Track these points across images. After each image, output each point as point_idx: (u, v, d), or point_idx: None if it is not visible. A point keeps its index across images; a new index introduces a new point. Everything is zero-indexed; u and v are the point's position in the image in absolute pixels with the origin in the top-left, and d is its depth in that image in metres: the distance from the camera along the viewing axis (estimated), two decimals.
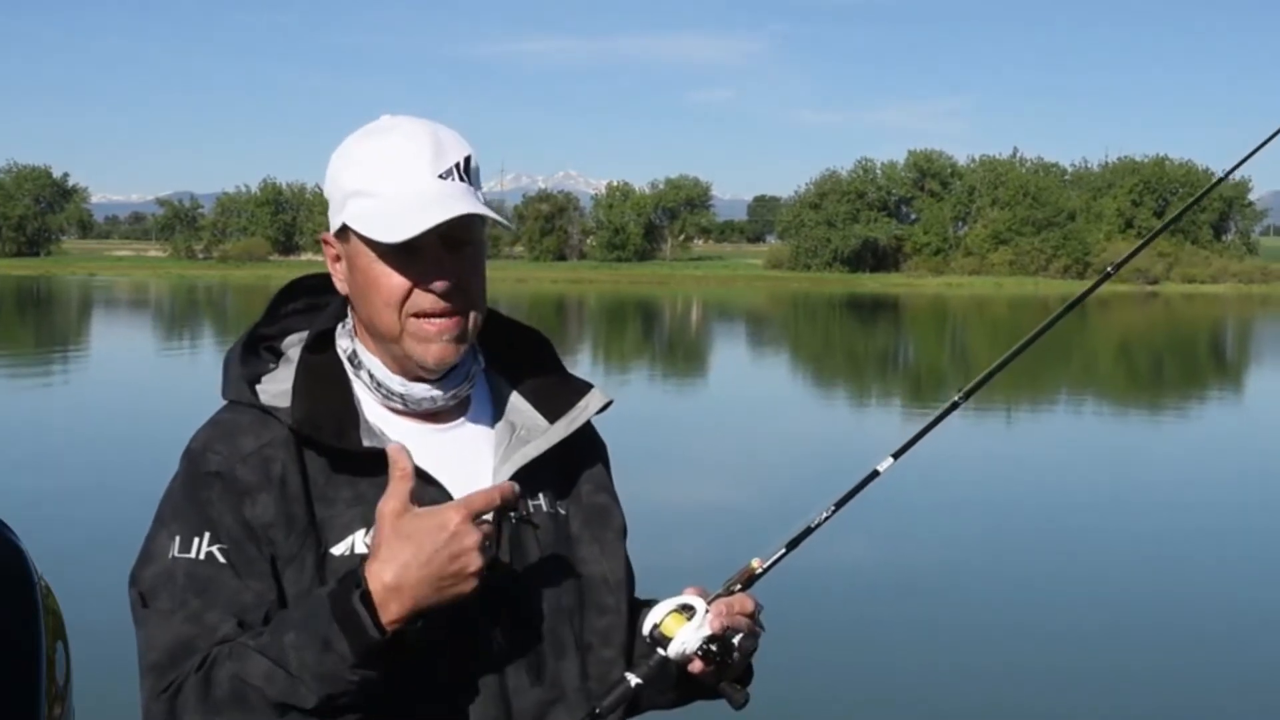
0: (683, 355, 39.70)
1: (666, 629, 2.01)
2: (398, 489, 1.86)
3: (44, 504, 12.90)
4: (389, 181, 2.01)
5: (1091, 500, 14.93)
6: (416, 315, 2.02)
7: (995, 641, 9.47)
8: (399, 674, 1.89)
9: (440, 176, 2.02)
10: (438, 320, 2.03)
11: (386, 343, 2.06)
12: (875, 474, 2.16)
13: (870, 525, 11.44)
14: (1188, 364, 38.57)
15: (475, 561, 1.84)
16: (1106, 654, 9.09)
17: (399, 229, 1.97)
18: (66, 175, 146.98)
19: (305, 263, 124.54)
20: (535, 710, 2.04)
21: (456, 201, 1.99)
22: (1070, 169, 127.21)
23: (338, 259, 2.11)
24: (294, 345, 2.15)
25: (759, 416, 22.98)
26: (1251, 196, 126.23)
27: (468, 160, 2.06)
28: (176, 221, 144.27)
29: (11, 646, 2.50)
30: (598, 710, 2.01)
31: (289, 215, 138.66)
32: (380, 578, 1.83)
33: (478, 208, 2.01)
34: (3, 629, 2.50)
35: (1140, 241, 2.62)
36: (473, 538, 1.83)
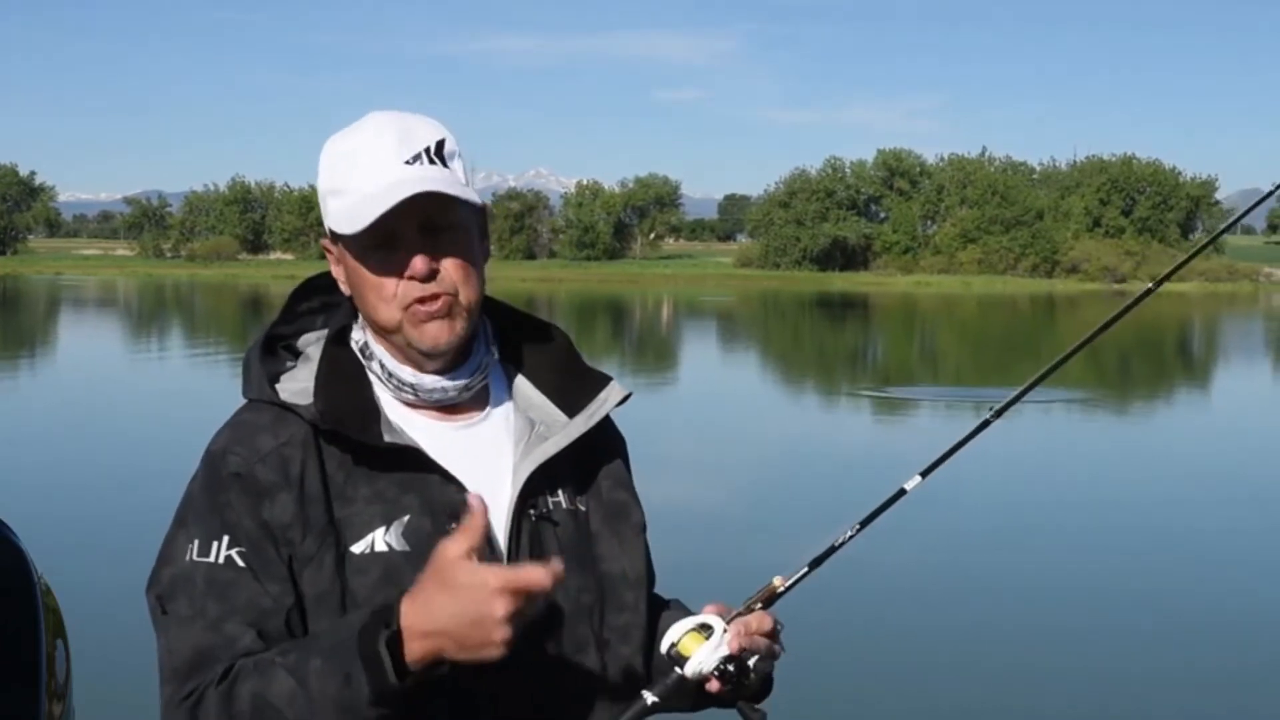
0: (653, 353, 39.69)
1: (684, 648, 2.00)
2: (465, 538, 1.82)
3: (41, 502, 12.85)
4: (357, 176, 2.02)
5: (1076, 499, 15.00)
6: (410, 305, 2.03)
7: (988, 643, 9.52)
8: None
9: (407, 162, 2.02)
10: (427, 303, 2.03)
11: (390, 335, 2.07)
12: (902, 492, 2.17)
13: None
14: (1163, 362, 38.74)
15: (499, 633, 1.79)
16: (1108, 653, 9.13)
17: (360, 218, 1.99)
18: (33, 173, 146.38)
19: (274, 261, 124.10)
20: (554, 707, 2.05)
21: (417, 184, 1.99)
22: (1038, 168, 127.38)
23: (337, 262, 2.11)
24: (311, 344, 2.16)
25: (734, 414, 23.02)
26: (1218, 196, 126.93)
27: (440, 144, 2.05)
28: (145, 220, 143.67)
29: (12, 645, 2.53)
30: None
31: (257, 214, 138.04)
32: (411, 619, 1.82)
33: (435, 186, 1.99)
34: (3, 628, 2.53)
35: (1186, 254, 2.64)
36: (501, 610, 1.78)
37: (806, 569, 2.09)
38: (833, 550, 2.10)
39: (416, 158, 2.02)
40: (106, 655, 6.47)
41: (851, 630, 9.41)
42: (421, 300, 2.03)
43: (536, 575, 1.80)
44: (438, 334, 2.04)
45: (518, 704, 2.02)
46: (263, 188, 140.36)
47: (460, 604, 1.79)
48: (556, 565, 1.82)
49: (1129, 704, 8.31)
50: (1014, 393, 2.39)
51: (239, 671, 1.90)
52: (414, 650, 1.82)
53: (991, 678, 8.73)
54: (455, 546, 1.82)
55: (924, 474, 2.18)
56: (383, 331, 2.08)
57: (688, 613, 2.18)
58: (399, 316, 2.04)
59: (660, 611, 2.26)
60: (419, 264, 2.01)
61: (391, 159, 2.02)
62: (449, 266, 2.04)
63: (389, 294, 2.03)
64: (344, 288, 2.12)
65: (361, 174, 2.02)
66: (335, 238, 2.08)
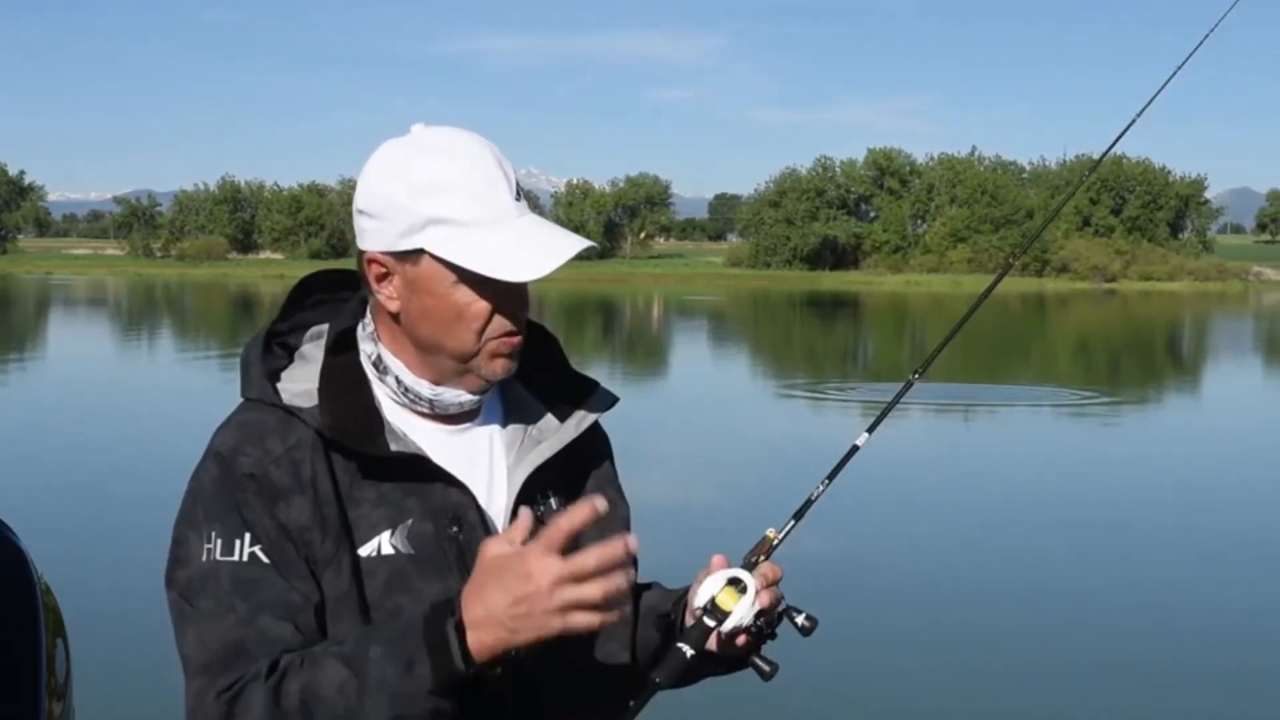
0: (643, 352, 39.69)
1: (723, 603, 2.05)
2: (510, 536, 1.87)
3: (41, 502, 12.83)
4: (472, 209, 2.01)
5: (1070, 499, 15.02)
6: (494, 336, 2.05)
7: (985, 643, 9.54)
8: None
9: (515, 199, 2.07)
10: (512, 338, 2.07)
11: (448, 360, 2.08)
12: (855, 448, 2.25)
13: (843, 525, 11.49)
14: (1153, 361, 38.83)
15: (555, 620, 1.83)
16: (1105, 653, 9.14)
17: (520, 268, 2.00)
18: (23, 173, 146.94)
19: (264, 261, 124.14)
20: (540, 706, 2.07)
21: (562, 238, 2.06)
22: (1028, 167, 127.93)
23: (386, 276, 2.07)
24: (310, 341, 2.15)
25: (723, 412, 23.02)
26: (1208, 194, 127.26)
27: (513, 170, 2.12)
28: (134, 220, 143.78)
29: (12, 644, 2.53)
30: (657, 680, 2.04)
31: (247, 213, 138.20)
32: (470, 608, 1.84)
33: (582, 242, 2.07)
34: (3, 627, 2.54)
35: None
36: (558, 600, 1.82)
37: (793, 521, 2.18)
38: (810, 503, 2.21)
39: (518, 193, 2.08)
40: (106, 655, 6.48)
41: (849, 632, 9.42)
42: (506, 335, 2.06)
43: (607, 552, 1.83)
44: (508, 368, 2.09)
45: (504, 702, 2.02)
46: (252, 187, 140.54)
47: (511, 591, 1.81)
48: (622, 544, 1.85)
49: (1128, 704, 8.33)
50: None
51: (287, 667, 1.90)
52: (476, 641, 1.83)
53: (989, 679, 8.75)
54: (496, 545, 1.86)
55: (870, 430, 2.29)
56: (443, 355, 2.08)
57: (666, 594, 2.26)
58: (478, 346, 2.06)
59: (639, 595, 2.28)
60: (523, 306, 2.08)
61: (505, 196, 2.05)
62: (525, 305, 2.10)
63: (477, 327, 2.04)
64: (392, 305, 2.07)
65: (478, 207, 2.02)
66: (407, 257, 2.04)
